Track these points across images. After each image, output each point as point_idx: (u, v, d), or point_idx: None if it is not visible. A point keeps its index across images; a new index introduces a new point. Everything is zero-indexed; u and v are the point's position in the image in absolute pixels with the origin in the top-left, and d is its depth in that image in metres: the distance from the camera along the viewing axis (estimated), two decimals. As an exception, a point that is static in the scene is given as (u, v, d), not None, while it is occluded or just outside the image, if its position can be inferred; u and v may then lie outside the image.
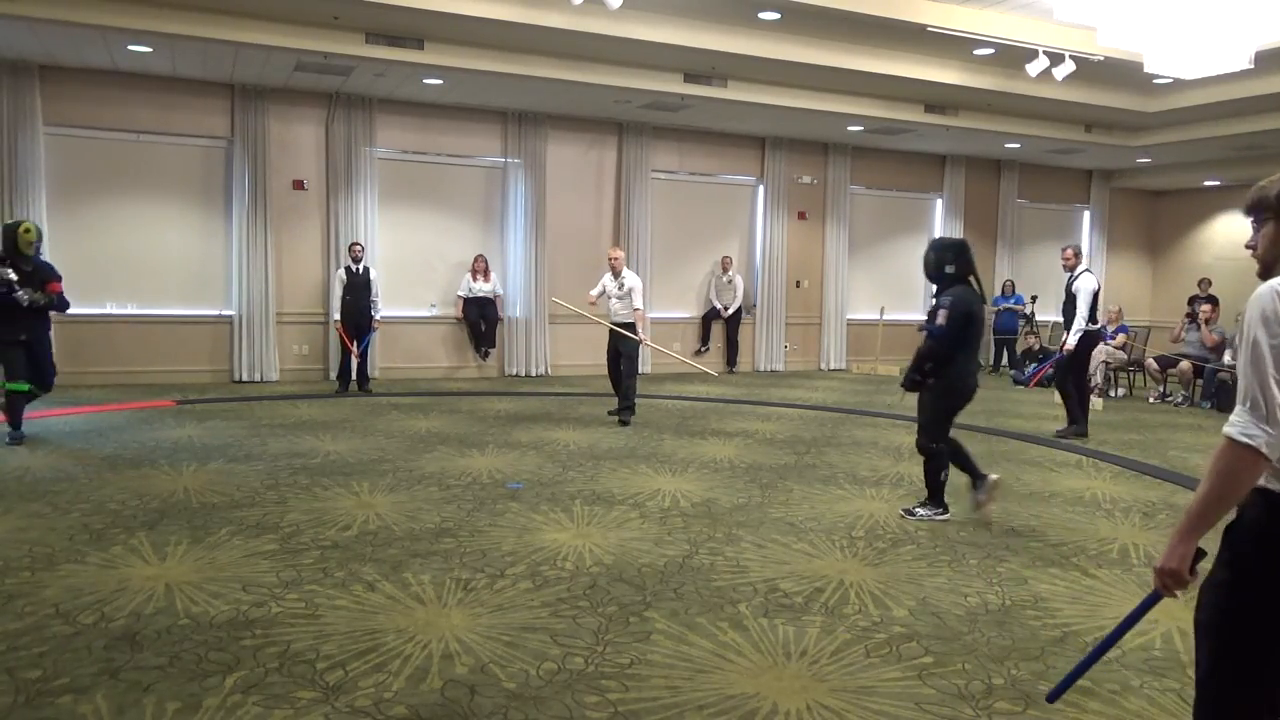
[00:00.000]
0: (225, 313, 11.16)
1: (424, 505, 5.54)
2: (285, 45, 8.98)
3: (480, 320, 12.08)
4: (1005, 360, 14.61)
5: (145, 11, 8.42)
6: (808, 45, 9.81)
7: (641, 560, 4.59)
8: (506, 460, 6.92)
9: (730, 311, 13.54)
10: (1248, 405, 1.89)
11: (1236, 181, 15.09)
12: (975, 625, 3.86)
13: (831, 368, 14.49)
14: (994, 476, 5.59)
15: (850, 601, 4.10)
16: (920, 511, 5.58)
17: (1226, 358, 11.15)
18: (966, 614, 3.99)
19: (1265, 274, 2.04)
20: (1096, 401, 10.70)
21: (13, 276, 6.95)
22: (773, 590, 4.22)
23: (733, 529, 5.22)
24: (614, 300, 8.76)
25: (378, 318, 10.63)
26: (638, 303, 8.68)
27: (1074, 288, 8.63)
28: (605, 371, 9.11)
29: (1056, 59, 9.49)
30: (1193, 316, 11.99)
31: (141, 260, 10.79)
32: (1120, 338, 12.30)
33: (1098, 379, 11.86)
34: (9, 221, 7.52)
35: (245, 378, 11.08)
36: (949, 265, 5.48)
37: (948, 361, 5.41)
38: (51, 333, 7.52)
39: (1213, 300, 12.19)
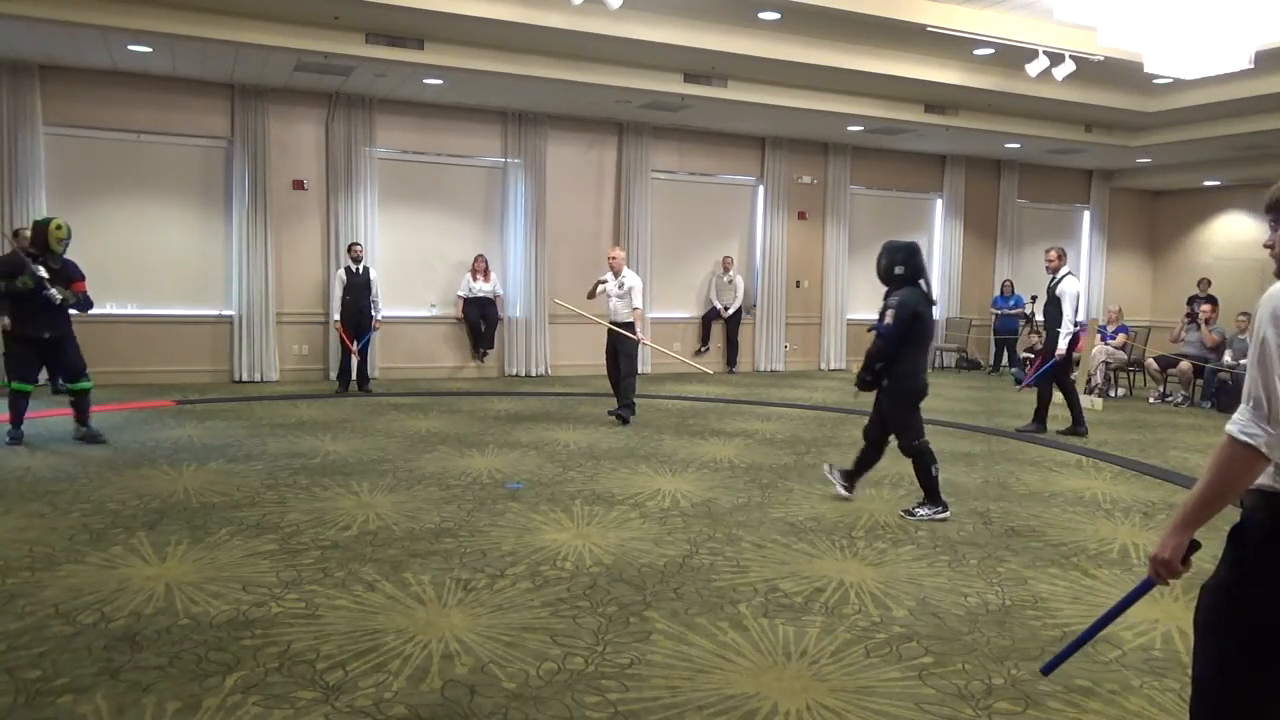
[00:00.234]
0: (225, 313, 11.16)
1: (424, 505, 5.54)
2: (285, 45, 8.99)
3: (480, 320, 12.08)
4: (1006, 360, 14.60)
5: (145, 11, 8.42)
6: (808, 45, 9.82)
7: (641, 560, 4.59)
8: (506, 460, 6.92)
9: (730, 311, 13.54)
10: (1251, 404, 1.90)
11: (1236, 181, 15.08)
12: (975, 625, 3.86)
13: (831, 368, 14.49)
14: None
15: (850, 601, 4.10)
16: (920, 512, 5.60)
17: (1226, 358, 11.16)
18: (966, 614, 3.99)
19: None
20: (1096, 401, 10.72)
21: (44, 274, 6.91)
22: (773, 590, 4.22)
23: (733, 529, 5.22)
24: (614, 299, 8.76)
25: (378, 318, 10.64)
26: (637, 302, 8.68)
27: (1058, 290, 8.69)
28: (605, 371, 9.12)
29: (1056, 59, 9.49)
30: (1192, 316, 11.99)
31: (141, 260, 10.80)
32: (1120, 338, 12.29)
33: (1098, 379, 11.87)
34: (40, 218, 7.43)
35: (245, 378, 11.08)
36: (899, 267, 5.64)
37: (897, 360, 5.56)
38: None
39: (1212, 300, 12.20)
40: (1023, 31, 9.33)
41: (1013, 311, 14.40)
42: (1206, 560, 2.12)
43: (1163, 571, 2.04)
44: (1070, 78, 9.87)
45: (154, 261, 10.83)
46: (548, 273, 12.45)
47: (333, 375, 10.96)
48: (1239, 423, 1.90)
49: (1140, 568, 4.73)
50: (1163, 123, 12.53)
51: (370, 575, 4.25)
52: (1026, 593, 4.30)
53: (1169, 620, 3.92)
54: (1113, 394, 12.12)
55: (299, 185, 11.37)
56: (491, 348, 12.30)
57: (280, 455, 6.89)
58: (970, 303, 15.58)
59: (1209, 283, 14.05)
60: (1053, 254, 8.88)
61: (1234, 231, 15.74)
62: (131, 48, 9.27)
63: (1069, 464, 7.46)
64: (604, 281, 8.82)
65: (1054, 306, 8.70)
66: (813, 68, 10.11)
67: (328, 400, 9.89)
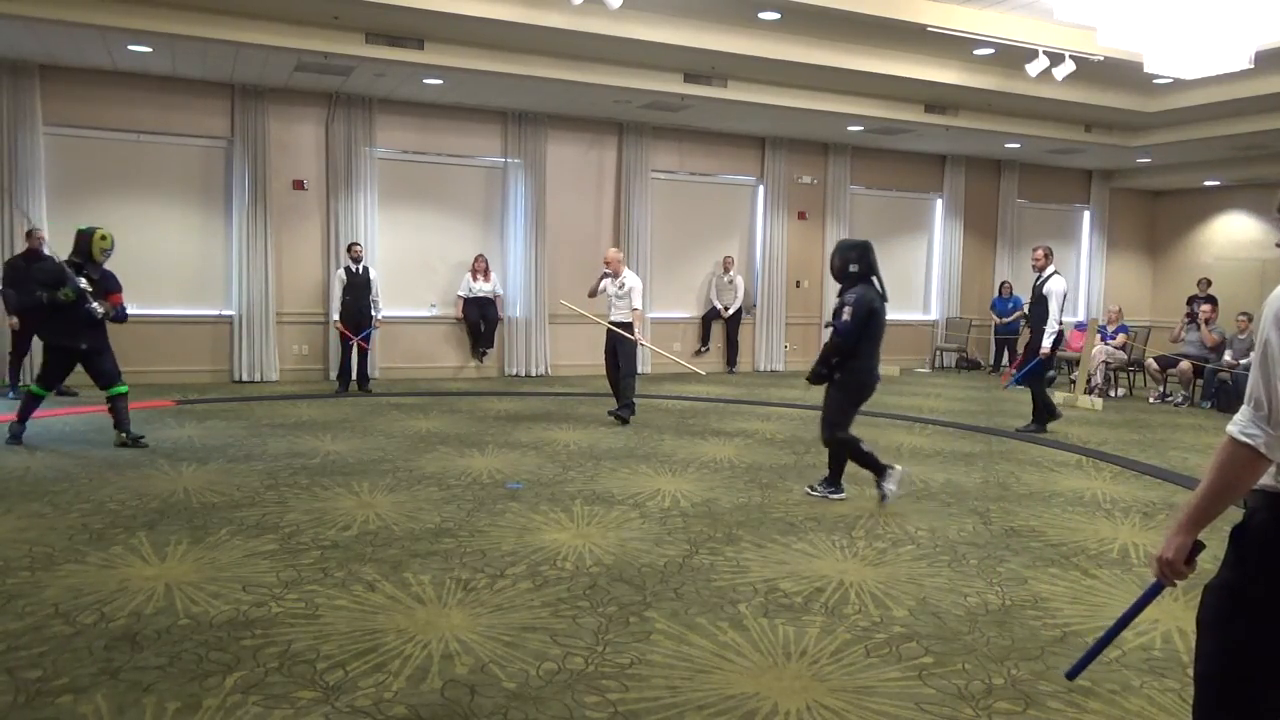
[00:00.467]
0: (225, 313, 11.16)
1: (424, 505, 5.54)
2: (285, 45, 8.98)
3: (480, 320, 12.08)
4: (1006, 360, 14.60)
5: (145, 11, 8.41)
6: (808, 45, 9.81)
7: (641, 560, 4.59)
8: (506, 460, 6.92)
9: (731, 312, 13.54)
10: (1252, 404, 1.90)
11: (1236, 181, 15.08)
12: (975, 625, 3.86)
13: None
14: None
15: (850, 601, 4.10)
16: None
17: (1226, 358, 11.16)
18: (966, 614, 3.99)
19: None
20: (1097, 401, 10.72)
21: (88, 287, 6.78)
22: (773, 590, 4.22)
23: (733, 529, 5.22)
24: (613, 300, 8.76)
25: (379, 317, 10.64)
26: (636, 303, 8.68)
27: (1045, 290, 8.71)
28: (604, 372, 9.11)
29: (1056, 59, 9.49)
30: (1192, 316, 11.99)
31: (141, 260, 10.76)
32: (1120, 338, 12.29)
33: (1098, 379, 11.87)
34: (84, 227, 7.13)
35: (245, 378, 11.08)
36: (853, 265, 5.82)
37: (852, 355, 5.75)
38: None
39: (1212, 300, 12.19)
40: (1023, 31, 9.33)
41: (1012, 316, 14.40)
42: (1209, 560, 2.12)
43: (1167, 572, 2.06)
44: (1070, 78, 9.87)
45: (154, 261, 10.82)
46: (548, 273, 12.45)
47: (333, 375, 10.96)
48: (1239, 423, 1.91)
49: (1140, 568, 4.73)
50: (1163, 123, 12.52)
51: (370, 575, 4.25)
52: (1026, 593, 4.30)
53: (1169, 620, 3.92)
54: (1113, 394, 12.12)
55: (299, 185, 11.37)
56: (491, 348, 12.30)
57: (280, 455, 6.89)
58: (970, 303, 15.58)
59: (1209, 283, 14.04)
60: (1039, 253, 8.90)
61: (1234, 231, 15.73)
62: (131, 48, 9.27)
63: (1069, 464, 7.47)
64: (607, 276, 8.82)
65: (1040, 305, 8.73)
66: (813, 68, 10.11)
67: (328, 400, 9.89)
